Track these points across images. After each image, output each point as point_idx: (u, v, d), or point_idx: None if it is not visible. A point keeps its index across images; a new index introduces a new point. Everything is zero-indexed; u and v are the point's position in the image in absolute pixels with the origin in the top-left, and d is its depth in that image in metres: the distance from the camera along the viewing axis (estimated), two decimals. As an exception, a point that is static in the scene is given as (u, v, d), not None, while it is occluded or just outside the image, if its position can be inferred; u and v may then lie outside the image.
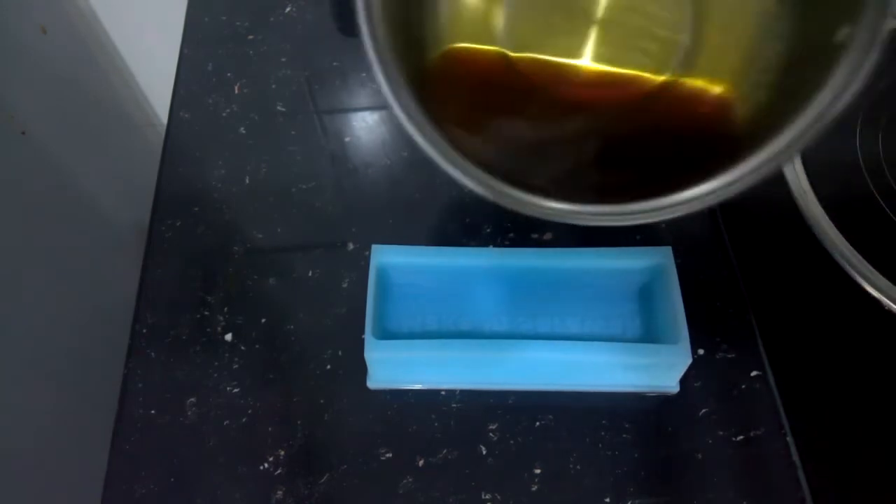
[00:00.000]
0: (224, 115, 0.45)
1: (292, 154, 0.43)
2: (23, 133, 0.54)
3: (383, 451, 0.33)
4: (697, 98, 0.32)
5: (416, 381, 0.35)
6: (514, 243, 0.39)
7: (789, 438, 0.33)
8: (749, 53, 0.31)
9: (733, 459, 0.33)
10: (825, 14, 0.28)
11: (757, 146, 0.27)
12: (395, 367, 0.34)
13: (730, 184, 0.27)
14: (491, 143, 0.31)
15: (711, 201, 0.27)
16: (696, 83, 0.32)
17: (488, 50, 0.33)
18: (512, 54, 0.32)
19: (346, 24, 0.49)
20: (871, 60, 0.25)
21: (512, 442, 0.34)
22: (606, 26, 0.31)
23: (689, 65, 0.31)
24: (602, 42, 0.31)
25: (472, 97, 0.32)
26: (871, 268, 0.36)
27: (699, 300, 0.36)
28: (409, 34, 0.31)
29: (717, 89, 0.31)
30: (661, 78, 0.32)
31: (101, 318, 0.59)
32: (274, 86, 0.47)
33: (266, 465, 0.33)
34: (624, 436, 0.34)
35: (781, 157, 0.26)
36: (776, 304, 0.37)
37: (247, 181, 0.42)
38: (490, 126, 0.32)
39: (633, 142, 0.32)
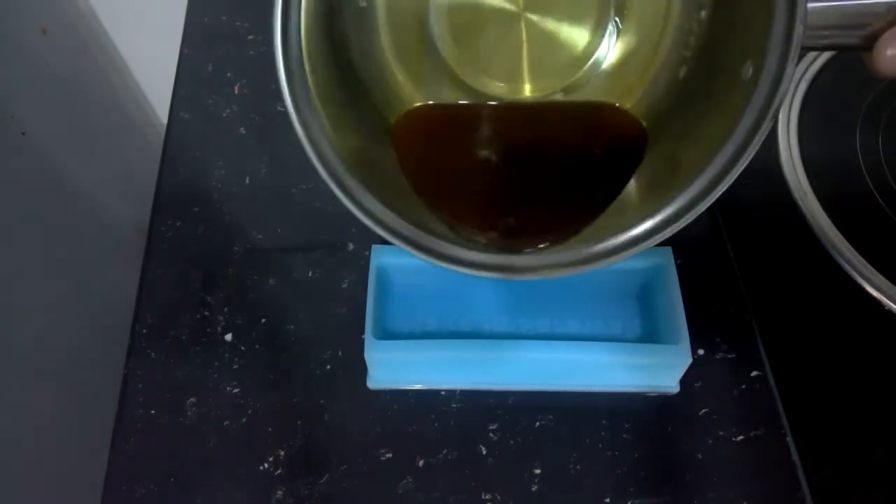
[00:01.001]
0: (224, 115, 0.45)
1: (292, 154, 0.43)
2: (23, 133, 0.54)
3: (383, 451, 0.33)
4: (608, 122, 0.33)
5: (417, 382, 0.35)
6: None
7: (789, 438, 0.33)
8: (657, 69, 0.32)
9: (733, 459, 0.33)
10: (731, 49, 0.28)
11: (674, 190, 0.27)
12: (395, 367, 0.34)
13: (661, 225, 0.28)
14: (444, 201, 0.31)
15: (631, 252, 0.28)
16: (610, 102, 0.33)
17: (437, 105, 0.33)
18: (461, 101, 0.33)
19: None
20: (779, 100, 0.24)
21: (512, 442, 0.34)
22: (533, 9, 0.32)
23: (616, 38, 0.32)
24: (532, 26, 0.32)
25: (428, 154, 0.33)
26: (870, 268, 0.36)
27: (699, 300, 0.36)
28: (357, 106, 0.31)
29: (626, 111, 0.33)
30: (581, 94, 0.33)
31: (101, 319, 0.59)
32: (274, 86, 0.46)
33: (266, 465, 0.33)
34: (624, 436, 0.34)
35: (701, 202, 0.26)
36: (776, 304, 0.37)
37: (247, 181, 0.42)
38: (444, 181, 0.32)
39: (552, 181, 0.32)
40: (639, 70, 0.32)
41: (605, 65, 0.32)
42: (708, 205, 0.26)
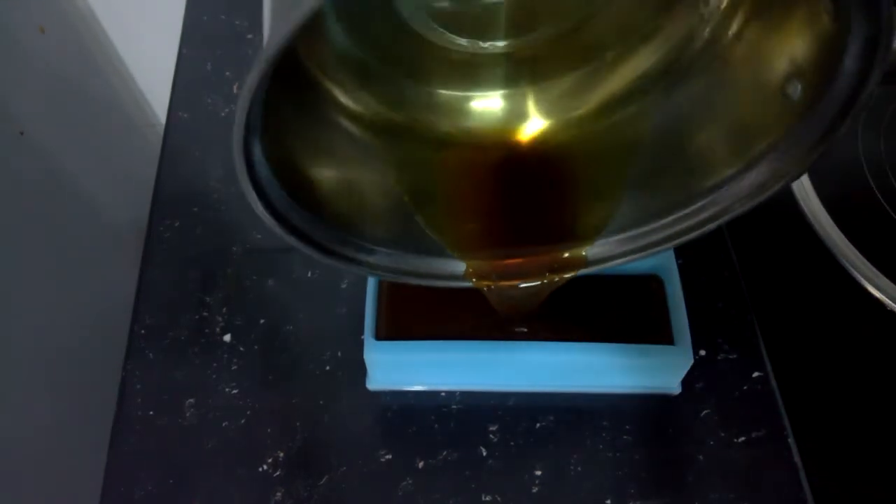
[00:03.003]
0: (223, 115, 0.45)
1: (292, 154, 0.43)
2: (21, 133, 0.54)
3: (383, 452, 0.33)
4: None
5: (416, 383, 0.35)
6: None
7: (791, 440, 0.33)
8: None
9: (735, 461, 0.33)
10: (767, 56, 0.23)
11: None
12: (394, 368, 0.34)
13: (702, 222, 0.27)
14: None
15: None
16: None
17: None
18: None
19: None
20: (845, 128, 0.20)
21: (512, 443, 0.33)
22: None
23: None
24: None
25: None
26: (873, 269, 0.35)
27: (700, 301, 0.36)
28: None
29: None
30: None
31: (100, 319, 0.59)
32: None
33: (265, 466, 0.33)
34: (625, 437, 0.33)
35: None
36: (778, 304, 0.37)
37: (246, 181, 0.42)
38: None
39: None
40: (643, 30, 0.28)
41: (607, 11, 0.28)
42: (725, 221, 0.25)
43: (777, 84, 0.22)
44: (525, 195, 0.31)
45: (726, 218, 0.26)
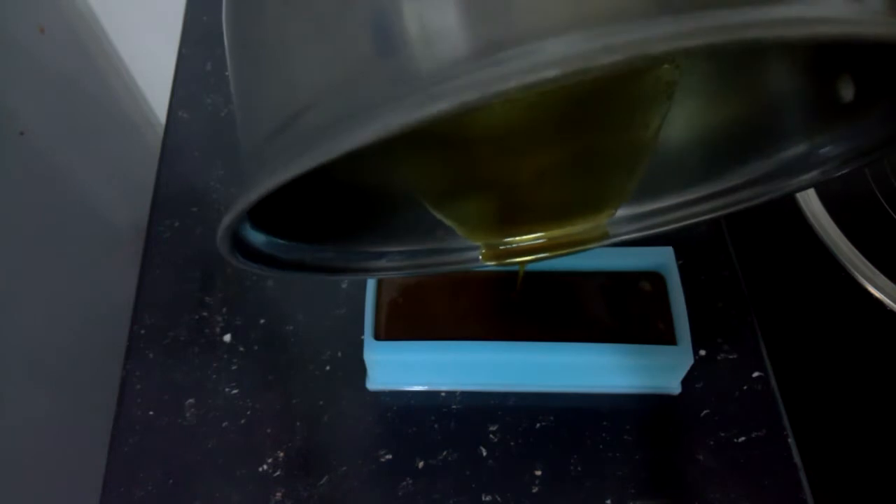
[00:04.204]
0: (223, 115, 0.45)
1: (291, 154, 0.43)
2: (21, 133, 0.54)
3: (383, 452, 0.33)
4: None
5: (416, 383, 0.35)
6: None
7: (791, 440, 0.33)
8: None
9: (735, 461, 0.33)
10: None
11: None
12: (394, 368, 0.34)
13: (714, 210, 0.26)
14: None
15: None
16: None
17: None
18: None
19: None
20: None
21: (512, 443, 0.33)
22: None
23: None
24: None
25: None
26: (873, 268, 0.35)
27: (701, 301, 0.36)
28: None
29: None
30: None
31: (100, 319, 0.59)
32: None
33: (265, 466, 0.33)
34: (625, 437, 0.33)
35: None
36: (778, 304, 0.37)
37: (246, 181, 0.42)
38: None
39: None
40: None
41: None
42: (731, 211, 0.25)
43: (826, 77, 0.19)
44: (537, 166, 0.30)
45: (738, 208, 0.25)
